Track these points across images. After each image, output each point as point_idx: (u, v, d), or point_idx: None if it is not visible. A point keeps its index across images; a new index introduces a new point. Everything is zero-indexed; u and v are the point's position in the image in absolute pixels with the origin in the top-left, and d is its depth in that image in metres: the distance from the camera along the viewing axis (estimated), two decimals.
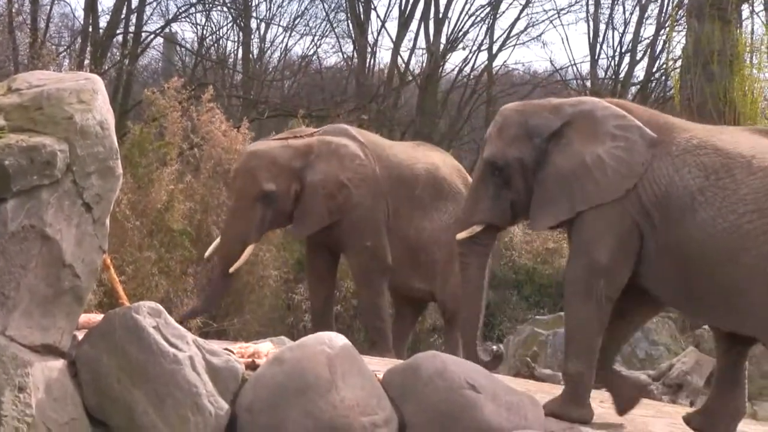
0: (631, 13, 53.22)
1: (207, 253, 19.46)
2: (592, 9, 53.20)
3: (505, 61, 55.36)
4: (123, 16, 47.83)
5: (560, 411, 12.94)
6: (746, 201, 12.01)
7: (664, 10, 51.44)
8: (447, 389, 11.96)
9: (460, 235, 13.23)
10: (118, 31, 47.96)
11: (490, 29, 52.65)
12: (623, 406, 13.64)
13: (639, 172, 12.49)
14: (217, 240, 18.72)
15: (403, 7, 50.75)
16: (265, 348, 12.89)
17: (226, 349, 12.33)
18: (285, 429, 11.57)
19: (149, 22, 50.15)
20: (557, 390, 15.94)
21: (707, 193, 12.27)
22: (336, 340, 12.14)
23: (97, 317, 12.19)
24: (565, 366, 13.28)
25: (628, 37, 52.95)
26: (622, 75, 52.91)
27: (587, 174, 12.54)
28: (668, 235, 12.29)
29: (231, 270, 18.08)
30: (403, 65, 51.30)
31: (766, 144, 12.84)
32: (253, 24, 52.04)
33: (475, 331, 13.67)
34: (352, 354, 12.05)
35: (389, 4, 55.03)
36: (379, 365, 12.55)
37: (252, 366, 12.08)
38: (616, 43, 53.34)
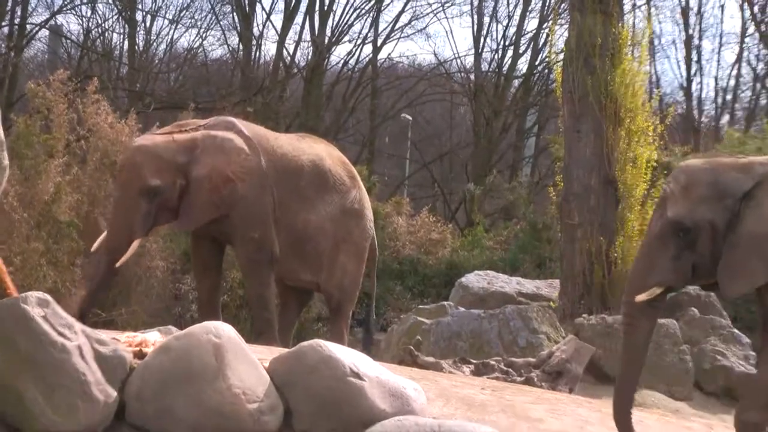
0: (515, 7, 53.59)
1: (94, 247, 19.34)
2: (476, 2, 53.35)
3: (389, 54, 55.48)
4: (8, 7, 47.79)
5: None
6: None
7: (547, 4, 51.86)
8: (332, 377, 12.07)
9: (640, 297, 12.26)
10: (3, 23, 47.84)
11: (375, 22, 52.87)
12: None
13: None
14: (104, 234, 18.67)
15: (288, 2, 50.72)
16: (153, 337, 12.95)
17: (114, 338, 12.39)
18: (173, 416, 11.65)
19: (34, 13, 50.24)
20: (440, 377, 16.10)
21: None
22: (222, 329, 12.21)
23: None
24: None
25: (512, 30, 53.23)
26: (505, 68, 53.12)
27: None
28: None
29: (117, 264, 18.06)
30: (289, 58, 51.54)
31: None
32: (139, 16, 52.02)
33: (627, 398, 13.05)
34: (238, 343, 12.13)
35: None
36: (265, 354, 12.62)
37: (140, 355, 12.14)
38: (499, 37, 53.60)
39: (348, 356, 12.42)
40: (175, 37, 53.90)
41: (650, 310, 12.50)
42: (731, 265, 12.00)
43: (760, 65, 54.65)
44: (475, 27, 53.42)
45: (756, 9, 53.90)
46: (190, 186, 17.95)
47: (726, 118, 52.75)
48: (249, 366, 12.04)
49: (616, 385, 13.38)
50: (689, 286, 12.73)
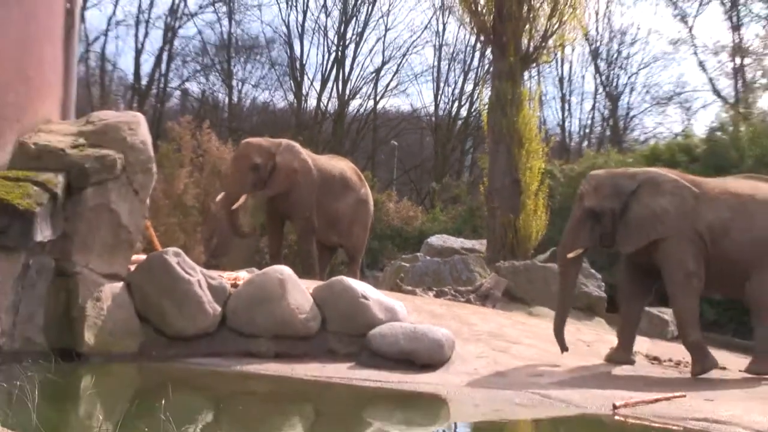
0: (460, 75, 53.43)
1: (217, 199, 19.59)
2: (436, 74, 53.44)
3: (384, 105, 55.52)
4: (157, 77, 47.93)
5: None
6: None
7: (478, 75, 51.75)
8: (350, 299, 12.04)
9: (570, 255, 12.74)
10: (153, 88, 47.96)
11: (375, 86, 52.82)
12: None
13: (690, 215, 12.34)
14: (222, 194, 18.81)
15: (323, 73, 50.89)
16: (243, 275, 12.90)
17: (220, 275, 12.35)
18: (255, 323, 11.62)
19: (171, 81, 50.17)
20: (415, 299, 16.01)
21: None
22: (284, 269, 12.19)
23: (142, 257, 12.19)
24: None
25: (458, 90, 53.26)
26: (453, 113, 53.14)
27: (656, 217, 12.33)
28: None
29: (233, 208, 18.32)
30: (323, 108, 51.34)
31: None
32: (234, 83, 52.18)
33: (562, 319, 12.85)
34: (294, 278, 12.09)
35: (315, 71, 55.21)
36: (310, 284, 12.58)
37: (235, 285, 12.09)
38: (450, 93, 53.58)
39: (360, 286, 12.41)
40: (255, 95, 53.92)
41: (575, 261, 12.98)
42: (624, 233, 12.50)
43: (605, 111, 54.73)
44: (435, 87, 53.46)
45: (603, 77, 53.92)
46: (275, 168, 18.04)
47: (585, 143, 52.77)
48: (300, 293, 11.99)
49: (556, 310, 13.34)
50: (597, 247, 12.78)
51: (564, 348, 12.71)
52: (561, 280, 13.15)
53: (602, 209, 12.54)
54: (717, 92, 49.52)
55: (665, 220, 12.28)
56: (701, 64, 50.12)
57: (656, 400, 10.07)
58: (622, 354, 12.86)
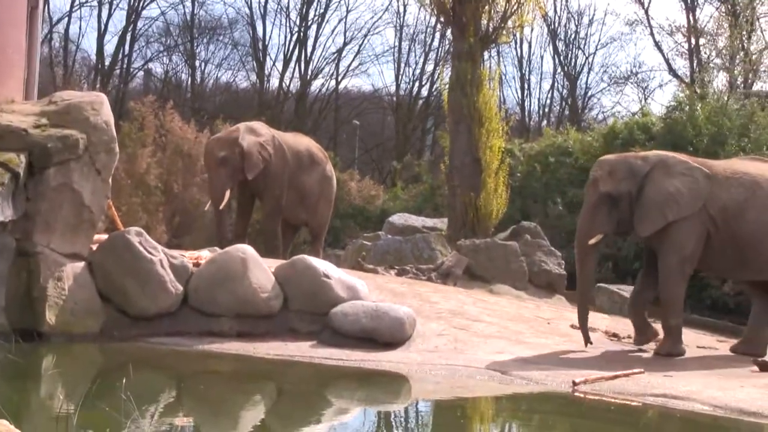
0: (420, 56, 53.36)
1: (206, 208, 20.19)
2: (397, 55, 53.38)
3: (345, 85, 55.35)
4: (120, 57, 47.76)
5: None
6: None
7: (438, 54, 51.69)
8: (312, 277, 11.99)
9: (591, 241, 12.34)
10: (116, 68, 47.76)
11: (337, 67, 52.70)
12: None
13: (703, 196, 12.18)
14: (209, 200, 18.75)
15: (286, 54, 50.74)
16: (205, 254, 12.84)
17: (182, 254, 12.29)
18: (217, 302, 11.57)
19: (135, 61, 50.03)
20: (376, 277, 15.97)
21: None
22: (247, 249, 12.16)
23: (104, 237, 12.12)
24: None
25: (418, 70, 53.20)
26: (414, 93, 53.08)
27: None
28: None
29: (221, 207, 18.09)
30: (286, 88, 51.20)
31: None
32: (197, 63, 52.10)
33: (585, 309, 12.55)
34: (256, 257, 12.04)
35: (277, 51, 55.23)
36: (272, 263, 12.52)
37: (197, 264, 12.04)
38: (411, 74, 53.51)
39: (322, 264, 12.38)
40: (218, 75, 53.66)
41: (594, 248, 12.58)
42: (641, 217, 12.19)
43: (564, 91, 54.89)
44: (397, 68, 53.35)
45: (561, 57, 54.06)
46: (243, 153, 17.90)
47: (544, 122, 52.85)
48: (262, 271, 11.93)
49: (578, 298, 13.04)
50: (612, 232, 12.53)
51: (588, 340, 12.40)
52: (580, 268, 12.70)
53: (619, 193, 12.26)
54: (673, 72, 49.75)
55: (680, 201, 12.12)
56: (657, 45, 50.18)
57: (615, 377, 10.10)
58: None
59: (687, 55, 47.78)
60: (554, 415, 9.35)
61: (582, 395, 9.60)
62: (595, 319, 14.68)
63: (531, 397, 9.87)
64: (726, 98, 26.92)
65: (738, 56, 38.94)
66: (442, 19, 26.90)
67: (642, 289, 12.80)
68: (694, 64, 44.77)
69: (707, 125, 24.80)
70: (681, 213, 12.07)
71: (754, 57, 41.40)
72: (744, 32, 40.97)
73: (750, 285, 13.25)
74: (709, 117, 25.13)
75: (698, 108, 25.53)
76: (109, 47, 48.37)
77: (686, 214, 12.08)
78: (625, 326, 13.75)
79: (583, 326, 12.43)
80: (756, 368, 11.17)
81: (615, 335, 13.35)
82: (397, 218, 24.79)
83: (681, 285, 12.24)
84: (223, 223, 18.75)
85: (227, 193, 18.11)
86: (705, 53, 46.28)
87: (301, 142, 19.62)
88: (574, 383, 9.73)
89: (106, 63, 47.87)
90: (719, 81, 39.02)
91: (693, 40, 46.84)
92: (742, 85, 37.78)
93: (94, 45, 49.71)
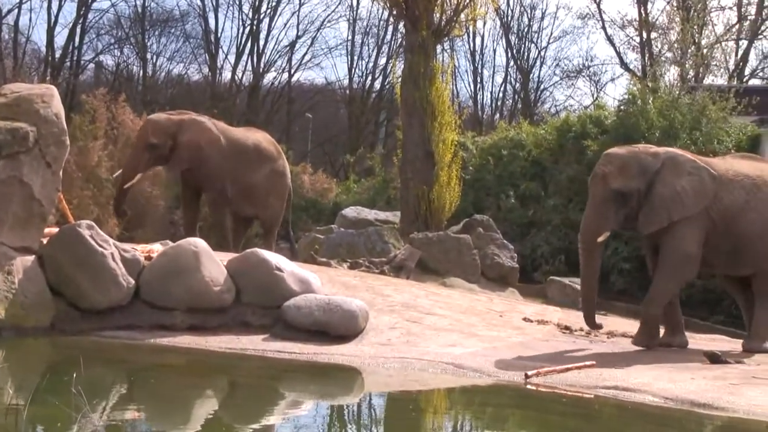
0: (373, 49, 53.47)
1: (114, 175, 20.10)
2: (350, 47, 53.43)
3: (298, 78, 55.41)
4: (70, 50, 47.46)
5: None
6: None
7: (391, 48, 51.76)
8: (265, 270, 11.97)
9: (601, 239, 11.97)
10: (66, 60, 47.41)
11: (289, 60, 52.74)
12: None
13: (708, 196, 12.01)
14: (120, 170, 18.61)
15: (238, 46, 50.70)
16: (156, 247, 12.78)
17: (133, 248, 12.22)
18: (169, 295, 11.52)
19: (85, 54, 49.71)
20: (329, 270, 15.97)
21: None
22: (199, 242, 12.12)
23: (55, 230, 12.05)
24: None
25: (371, 63, 53.32)
26: (367, 86, 53.19)
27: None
28: None
29: (125, 187, 17.98)
30: (238, 81, 51.13)
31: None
32: (148, 56, 51.94)
33: (592, 305, 12.33)
34: (208, 251, 12.00)
35: (229, 44, 55.19)
36: (224, 257, 12.49)
37: (149, 258, 11.98)
38: (364, 67, 53.61)
39: (274, 258, 12.34)
40: (170, 68, 53.45)
41: (600, 245, 12.24)
42: (648, 214, 11.93)
43: (517, 84, 55.19)
44: (349, 61, 53.40)
45: (514, 51, 54.34)
46: (177, 146, 17.76)
47: (497, 116, 53.06)
48: (215, 265, 11.89)
49: (582, 294, 12.75)
50: (617, 229, 12.31)
51: (596, 327, 12.40)
52: (586, 264, 12.29)
53: (629, 190, 11.96)
54: (625, 65, 50.22)
55: (685, 200, 11.97)
56: (609, 38, 50.71)
57: (567, 369, 10.14)
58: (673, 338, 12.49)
59: (639, 48, 48.25)
60: (506, 407, 9.38)
61: (534, 387, 9.64)
62: (547, 311, 14.74)
63: (483, 389, 9.89)
64: (678, 92, 27.14)
65: (689, 50, 39.26)
66: (395, 12, 26.96)
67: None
68: (646, 58, 45.15)
69: (659, 119, 25.03)
70: (684, 213, 11.93)
71: (705, 51, 41.81)
72: (695, 26, 41.34)
73: (730, 284, 13.32)
74: (661, 111, 25.35)
75: (650, 102, 25.74)
76: (60, 39, 48.19)
77: (689, 214, 11.94)
78: (577, 319, 13.80)
79: (591, 322, 12.32)
80: (707, 361, 11.25)
81: (567, 328, 13.38)
82: (350, 211, 24.80)
83: (674, 282, 12.16)
84: (121, 196, 18.59)
85: (137, 177, 18.07)
86: (657, 47, 46.73)
87: (249, 138, 19.39)
88: (527, 375, 9.76)
89: (57, 55, 47.60)
90: (671, 75, 39.32)
91: (645, 34, 47.26)
92: (694, 79, 38.08)
93: (44, 37, 49.59)
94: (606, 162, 12.16)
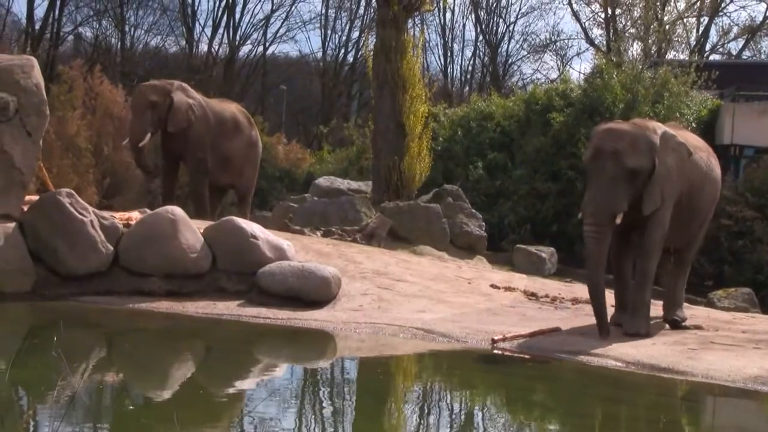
0: (347, 23, 53.46)
1: (123, 143, 20.13)
2: (323, 21, 53.39)
3: (273, 51, 55.32)
4: (50, 21, 47.13)
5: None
6: None
7: (364, 21, 51.74)
8: (240, 238, 11.97)
9: (618, 220, 10.84)
10: (45, 32, 47.09)
11: (264, 33, 52.63)
12: None
13: (684, 173, 11.41)
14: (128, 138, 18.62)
15: (215, 19, 50.60)
16: (135, 215, 12.76)
17: (112, 215, 12.20)
18: (146, 262, 11.51)
19: (65, 25, 49.38)
20: (303, 238, 15.97)
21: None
22: (176, 210, 12.09)
23: (35, 197, 12.01)
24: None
25: (344, 37, 53.29)
26: (340, 59, 53.22)
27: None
28: None
29: (140, 145, 17.98)
30: (214, 53, 51.02)
31: None
32: (126, 28, 51.69)
33: (602, 281, 10.88)
34: (185, 218, 11.99)
35: (206, 17, 54.92)
36: (201, 224, 12.48)
37: (127, 225, 11.96)
38: (337, 40, 53.60)
39: (249, 226, 12.34)
40: (148, 40, 53.20)
41: (611, 226, 10.92)
42: (650, 193, 11.06)
43: (486, 58, 55.23)
44: (323, 35, 53.35)
45: (483, 26, 54.35)
46: (172, 105, 17.76)
47: (467, 89, 53.15)
48: (191, 232, 11.88)
49: (589, 278, 11.12)
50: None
51: (606, 331, 10.77)
52: (596, 247, 10.99)
53: (642, 168, 11.04)
54: (590, 41, 50.30)
55: (672, 179, 11.35)
56: (575, 14, 50.95)
57: (533, 334, 10.20)
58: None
59: (603, 24, 48.34)
60: (473, 371, 9.44)
61: (501, 352, 9.70)
62: (514, 279, 14.79)
63: (452, 354, 9.94)
64: (641, 67, 27.21)
65: (652, 26, 39.38)
66: None
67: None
68: (611, 33, 45.23)
69: (623, 92, 25.11)
70: (673, 191, 11.42)
71: (667, 27, 41.94)
72: (658, 3, 41.45)
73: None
74: (624, 84, 25.43)
75: (614, 76, 25.80)
76: (40, 11, 47.77)
77: (675, 192, 11.44)
78: (542, 286, 13.88)
79: (601, 316, 10.79)
80: (667, 326, 11.32)
81: (533, 294, 13.43)
82: (323, 181, 24.74)
83: (655, 260, 11.45)
84: (141, 156, 18.62)
85: (147, 137, 17.95)
86: (621, 23, 46.87)
87: (226, 108, 19.47)
88: (494, 341, 9.82)
89: (36, 27, 47.20)
90: (634, 50, 39.44)
91: (609, 10, 47.35)
92: (656, 54, 38.21)
93: (24, 9, 49.26)
94: (616, 138, 11.14)
